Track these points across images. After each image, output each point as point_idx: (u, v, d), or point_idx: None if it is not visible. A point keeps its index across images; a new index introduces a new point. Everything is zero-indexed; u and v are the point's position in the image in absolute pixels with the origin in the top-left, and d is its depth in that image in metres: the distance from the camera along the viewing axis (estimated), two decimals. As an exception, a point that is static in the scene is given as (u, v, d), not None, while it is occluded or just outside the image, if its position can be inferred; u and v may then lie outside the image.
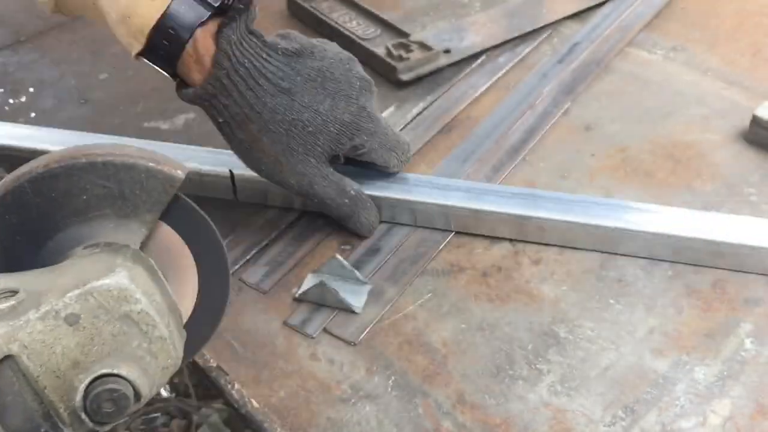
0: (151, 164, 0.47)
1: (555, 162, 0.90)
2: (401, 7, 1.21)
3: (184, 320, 0.48)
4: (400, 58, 1.03)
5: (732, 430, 0.63)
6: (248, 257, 0.80)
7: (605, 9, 1.18)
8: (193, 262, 0.50)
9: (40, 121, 0.99)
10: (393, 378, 0.68)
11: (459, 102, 1.00)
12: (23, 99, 1.04)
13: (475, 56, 1.08)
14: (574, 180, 0.88)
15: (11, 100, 1.03)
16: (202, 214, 0.50)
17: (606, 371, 0.68)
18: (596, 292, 0.75)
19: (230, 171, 0.82)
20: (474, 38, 1.10)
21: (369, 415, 0.65)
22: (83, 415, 0.38)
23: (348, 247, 0.80)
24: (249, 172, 0.77)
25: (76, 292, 0.38)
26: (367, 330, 0.72)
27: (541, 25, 1.14)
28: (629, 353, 0.69)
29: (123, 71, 1.08)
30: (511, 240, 0.80)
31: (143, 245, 0.47)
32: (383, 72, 1.04)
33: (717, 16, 1.16)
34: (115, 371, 0.38)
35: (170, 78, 0.72)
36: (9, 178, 0.44)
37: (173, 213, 0.48)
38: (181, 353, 0.43)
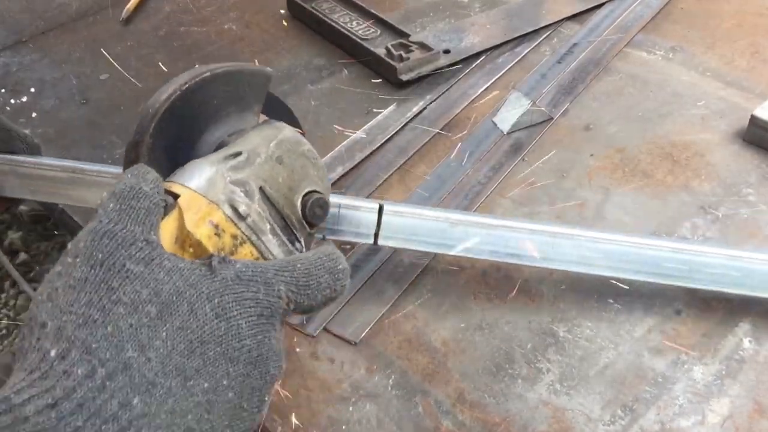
0: (254, 68, 0.61)
1: (554, 162, 0.91)
2: (401, 8, 1.21)
3: None
4: (400, 59, 1.03)
5: (731, 428, 0.63)
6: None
7: (604, 10, 1.18)
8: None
9: (42, 121, 1.00)
10: (393, 377, 0.68)
11: (458, 102, 1.01)
12: (24, 99, 1.04)
13: (475, 57, 1.08)
14: (573, 180, 0.88)
15: (13, 100, 1.04)
16: (279, 99, 0.66)
17: (605, 370, 0.68)
18: (595, 291, 0.75)
19: (380, 205, 0.72)
20: (473, 39, 1.11)
21: (369, 414, 0.65)
22: (304, 221, 0.55)
23: (348, 246, 0.80)
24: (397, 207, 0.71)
25: (275, 142, 0.55)
26: (367, 329, 0.72)
27: (541, 25, 1.14)
28: (628, 352, 0.69)
29: (124, 72, 1.08)
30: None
31: None
32: (383, 72, 1.05)
33: (716, 16, 1.16)
34: (312, 188, 0.56)
35: None
36: (161, 99, 0.54)
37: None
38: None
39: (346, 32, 1.10)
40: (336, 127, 0.97)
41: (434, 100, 1.01)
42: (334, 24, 1.12)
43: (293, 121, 0.67)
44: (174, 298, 0.42)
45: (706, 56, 1.08)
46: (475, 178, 0.88)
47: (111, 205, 0.44)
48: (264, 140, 0.55)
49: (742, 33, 1.12)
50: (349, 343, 0.71)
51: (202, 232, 0.48)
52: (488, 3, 1.21)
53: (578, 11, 1.17)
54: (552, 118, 0.97)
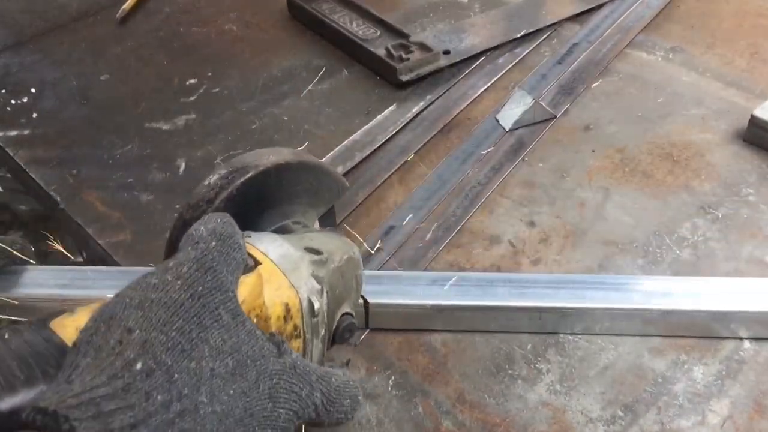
0: (339, 175, 0.64)
1: (554, 162, 0.91)
2: (401, 8, 1.21)
3: None
4: (400, 59, 1.03)
5: (730, 429, 0.63)
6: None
7: (604, 10, 1.18)
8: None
9: (42, 122, 1.00)
10: (393, 377, 0.68)
11: (458, 103, 1.01)
12: (25, 100, 1.04)
13: (475, 57, 1.08)
14: (573, 180, 0.88)
15: (13, 101, 1.04)
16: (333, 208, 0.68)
17: (605, 371, 0.68)
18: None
19: (364, 299, 0.71)
20: (473, 39, 1.11)
21: (369, 414, 0.65)
22: (331, 337, 0.54)
23: (348, 247, 0.80)
24: (384, 300, 0.70)
25: (346, 257, 0.56)
26: (367, 330, 0.72)
27: (541, 26, 1.14)
28: (628, 352, 0.69)
29: (124, 72, 1.08)
30: (512, 243, 0.81)
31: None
32: (383, 73, 1.05)
33: (716, 17, 1.16)
34: (349, 311, 0.56)
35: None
36: (263, 162, 0.56)
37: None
38: None
39: (346, 33, 1.10)
40: (336, 127, 0.97)
41: (434, 101, 1.01)
42: (334, 24, 1.12)
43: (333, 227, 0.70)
44: (248, 361, 0.42)
45: (706, 56, 1.08)
46: (475, 178, 0.88)
47: (213, 243, 0.43)
48: (338, 250, 0.56)
49: (742, 33, 1.12)
50: (350, 344, 0.71)
51: (275, 311, 0.48)
52: (488, 3, 1.21)
53: (578, 12, 1.17)
54: (555, 116, 0.97)
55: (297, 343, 0.50)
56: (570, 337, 0.71)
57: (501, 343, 0.71)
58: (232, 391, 0.40)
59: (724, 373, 0.67)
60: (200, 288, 0.41)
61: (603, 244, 0.80)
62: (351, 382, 0.49)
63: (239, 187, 0.55)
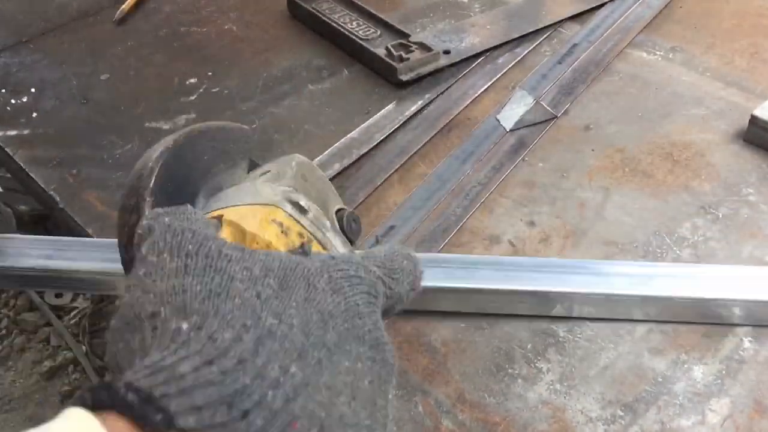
0: (233, 125, 0.61)
1: (554, 162, 0.91)
2: (401, 8, 1.21)
3: None
4: (400, 59, 1.03)
5: (731, 428, 0.63)
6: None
7: (605, 10, 1.18)
8: None
9: (42, 121, 1.00)
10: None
11: (458, 102, 1.01)
12: (25, 99, 1.04)
13: (475, 57, 1.08)
14: (573, 180, 0.88)
15: (13, 101, 1.04)
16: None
17: (605, 370, 0.68)
18: (595, 291, 0.75)
19: None
20: (474, 39, 1.11)
21: (369, 414, 0.65)
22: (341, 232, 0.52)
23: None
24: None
25: (294, 162, 0.54)
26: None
27: (541, 26, 1.14)
28: (628, 352, 0.69)
29: (124, 72, 1.08)
30: (511, 242, 0.81)
31: None
32: (383, 72, 1.05)
33: (716, 17, 1.16)
34: (339, 207, 0.54)
35: None
36: (153, 157, 0.52)
37: None
38: None
39: (346, 32, 1.10)
40: (336, 127, 0.97)
41: (434, 100, 1.01)
42: (334, 24, 1.12)
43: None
44: (288, 272, 0.37)
45: (706, 56, 1.08)
46: (475, 178, 0.88)
47: (167, 219, 0.38)
48: (283, 163, 0.53)
49: (742, 33, 1.12)
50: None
51: (270, 232, 0.44)
52: (488, 3, 1.21)
53: (578, 12, 1.17)
54: (556, 116, 0.97)
55: (315, 248, 0.46)
56: (570, 337, 0.71)
57: (501, 342, 0.71)
58: (294, 304, 0.36)
59: (724, 372, 0.67)
60: (190, 246, 0.37)
61: (603, 244, 0.80)
62: (397, 246, 0.45)
63: (152, 191, 0.50)
